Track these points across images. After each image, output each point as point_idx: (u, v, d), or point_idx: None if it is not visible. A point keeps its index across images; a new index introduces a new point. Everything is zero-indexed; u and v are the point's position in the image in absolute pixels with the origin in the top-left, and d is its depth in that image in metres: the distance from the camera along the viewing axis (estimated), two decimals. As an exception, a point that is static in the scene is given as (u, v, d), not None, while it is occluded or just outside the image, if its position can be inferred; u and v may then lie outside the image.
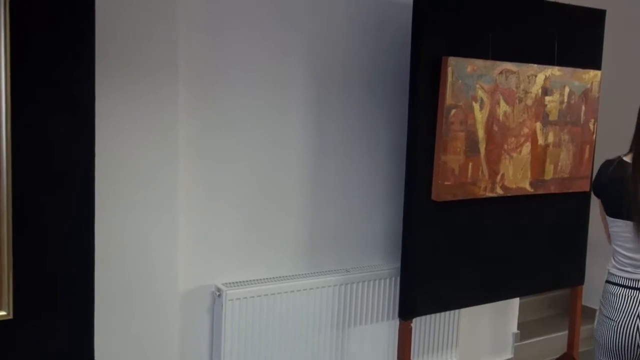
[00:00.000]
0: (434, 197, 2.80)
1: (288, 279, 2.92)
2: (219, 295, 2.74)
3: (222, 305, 2.72)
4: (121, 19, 2.40)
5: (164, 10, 2.49)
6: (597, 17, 3.24)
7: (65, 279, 1.92)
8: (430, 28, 2.74)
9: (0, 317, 1.80)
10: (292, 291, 2.88)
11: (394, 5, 3.07)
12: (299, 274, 2.99)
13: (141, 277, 2.55)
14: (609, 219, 2.31)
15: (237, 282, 2.81)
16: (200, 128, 2.69)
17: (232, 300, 2.72)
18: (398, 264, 2.96)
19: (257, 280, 2.86)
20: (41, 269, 1.88)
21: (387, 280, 3.16)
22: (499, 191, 2.95)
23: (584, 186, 3.20)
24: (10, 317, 1.82)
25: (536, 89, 2.99)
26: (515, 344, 3.91)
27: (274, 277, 2.91)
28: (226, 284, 2.78)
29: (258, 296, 2.79)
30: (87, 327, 1.98)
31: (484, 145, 2.87)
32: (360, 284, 3.08)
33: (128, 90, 2.45)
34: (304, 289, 2.92)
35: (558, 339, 3.96)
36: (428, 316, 3.28)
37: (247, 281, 2.84)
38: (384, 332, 3.19)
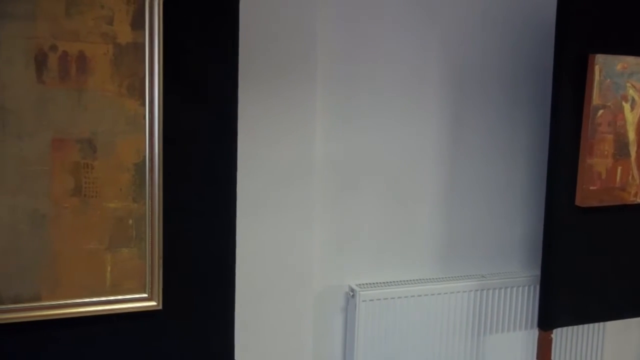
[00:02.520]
0: (578, 202, 2.68)
1: (422, 282, 2.89)
2: (353, 296, 2.76)
3: (355, 306, 2.74)
4: (262, 15, 2.45)
5: (304, 4, 2.52)
6: None
7: (208, 275, 2.00)
8: (576, 24, 2.61)
9: (150, 307, 1.91)
10: (426, 295, 2.85)
11: (536, 0, 2.96)
12: (434, 278, 2.95)
13: (278, 276, 2.61)
14: None
15: (370, 284, 2.81)
16: (335, 125, 2.71)
17: (365, 301, 2.73)
18: (537, 272, 2.85)
19: (391, 282, 2.85)
20: (187, 264, 1.97)
21: (526, 288, 3.04)
22: (652, 197, 2.77)
23: None
24: (160, 307, 1.92)
25: (696, 87, 2.77)
26: (667, 363, 3.64)
27: (408, 280, 2.89)
28: (360, 284, 2.79)
29: (391, 298, 2.78)
30: (227, 325, 2.05)
31: (635, 148, 2.71)
32: (497, 290, 2.99)
33: (268, 87, 2.49)
34: (438, 293, 2.88)
35: None
36: (570, 327, 3.12)
37: (380, 283, 2.83)
38: (521, 341, 3.08)
